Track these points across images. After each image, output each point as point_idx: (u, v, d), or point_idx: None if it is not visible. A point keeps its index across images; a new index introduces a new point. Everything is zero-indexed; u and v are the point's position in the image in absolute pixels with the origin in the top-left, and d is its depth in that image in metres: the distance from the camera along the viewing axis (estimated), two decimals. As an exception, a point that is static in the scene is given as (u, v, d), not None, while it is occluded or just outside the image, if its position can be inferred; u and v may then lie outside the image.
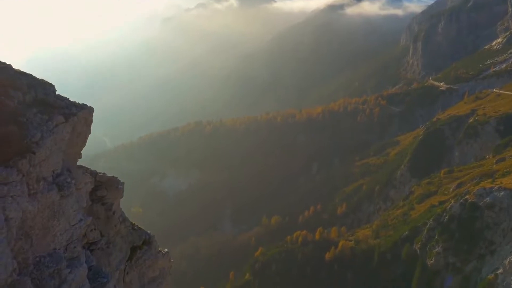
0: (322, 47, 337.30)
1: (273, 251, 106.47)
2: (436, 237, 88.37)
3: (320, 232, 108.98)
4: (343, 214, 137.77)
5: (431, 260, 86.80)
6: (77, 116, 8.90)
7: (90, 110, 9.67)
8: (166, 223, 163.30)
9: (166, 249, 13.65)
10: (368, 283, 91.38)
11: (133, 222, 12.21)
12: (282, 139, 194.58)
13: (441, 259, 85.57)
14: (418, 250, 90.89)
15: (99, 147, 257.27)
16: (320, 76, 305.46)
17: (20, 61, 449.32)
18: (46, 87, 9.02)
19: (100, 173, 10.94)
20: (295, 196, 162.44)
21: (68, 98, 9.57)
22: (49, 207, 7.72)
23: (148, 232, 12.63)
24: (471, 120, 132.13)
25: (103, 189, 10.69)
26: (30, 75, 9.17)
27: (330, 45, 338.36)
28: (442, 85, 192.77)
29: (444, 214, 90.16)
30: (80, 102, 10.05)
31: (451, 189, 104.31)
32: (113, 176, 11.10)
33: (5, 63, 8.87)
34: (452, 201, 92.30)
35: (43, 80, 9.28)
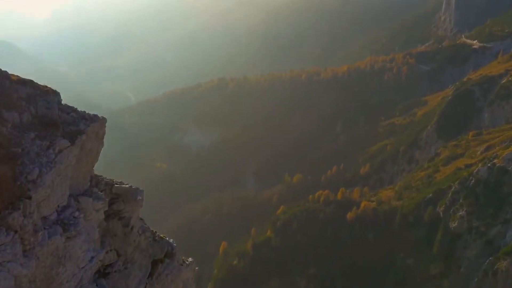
0: (349, 1, 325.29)
1: (294, 210, 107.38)
2: (461, 200, 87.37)
3: (342, 192, 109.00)
4: (366, 174, 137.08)
5: (454, 223, 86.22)
6: (85, 133, 7.72)
7: (102, 122, 8.44)
8: (189, 178, 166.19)
9: (190, 258, 12.55)
10: (389, 244, 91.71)
11: (154, 231, 11.26)
12: (306, 97, 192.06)
13: (464, 223, 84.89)
14: (441, 213, 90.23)
15: (123, 102, 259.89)
16: (346, 33, 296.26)
17: (45, 13, 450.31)
18: (49, 97, 7.84)
19: (117, 183, 9.71)
20: (318, 155, 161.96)
21: (76, 109, 8.41)
22: (52, 254, 6.67)
23: (171, 241, 11.46)
24: (504, 81, 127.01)
25: (120, 202, 9.47)
26: (30, 82, 7.94)
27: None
28: (475, 43, 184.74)
29: (471, 177, 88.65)
30: (92, 113, 8.66)
31: (478, 152, 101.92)
32: (131, 186, 9.81)
33: (0, 70, 7.61)
34: (480, 164, 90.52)
35: (45, 87, 8.11)
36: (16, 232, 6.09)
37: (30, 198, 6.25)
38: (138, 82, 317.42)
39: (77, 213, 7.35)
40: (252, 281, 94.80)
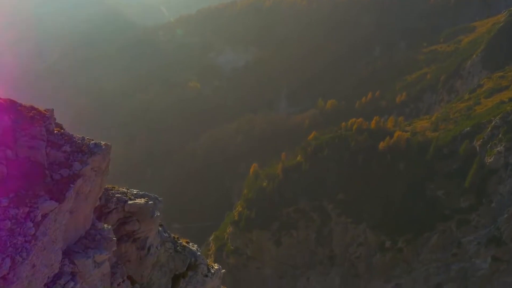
0: None
1: (326, 136, 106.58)
2: (500, 135, 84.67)
3: (376, 121, 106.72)
4: (402, 103, 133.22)
5: (490, 158, 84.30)
6: (82, 175, 6.13)
7: (105, 152, 6.88)
8: (221, 99, 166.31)
9: (216, 265, 11.20)
10: (420, 175, 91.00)
11: (176, 237, 10.01)
12: (345, 18, 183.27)
13: (501, 159, 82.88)
14: (477, 148, 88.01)
15: (157, 18, 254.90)
16: None
17: None
18: (34, 129, 5.94)
19: (131, 197, 8.23)
20: (354, 80, 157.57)
21: (71, 136, 6.71)
22: None
23: (194, 250, 10.00)
24: None
25: (134, 221, 8.18)
26: (12, 107, 5.97)
27: None
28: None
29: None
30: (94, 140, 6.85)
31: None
32: (146, 202, 8.38)
33: None
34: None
35: (30, 112, 6.12)
36: None
37: None
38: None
39: (71, 284, 5.98)
40: (281, 203, 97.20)
